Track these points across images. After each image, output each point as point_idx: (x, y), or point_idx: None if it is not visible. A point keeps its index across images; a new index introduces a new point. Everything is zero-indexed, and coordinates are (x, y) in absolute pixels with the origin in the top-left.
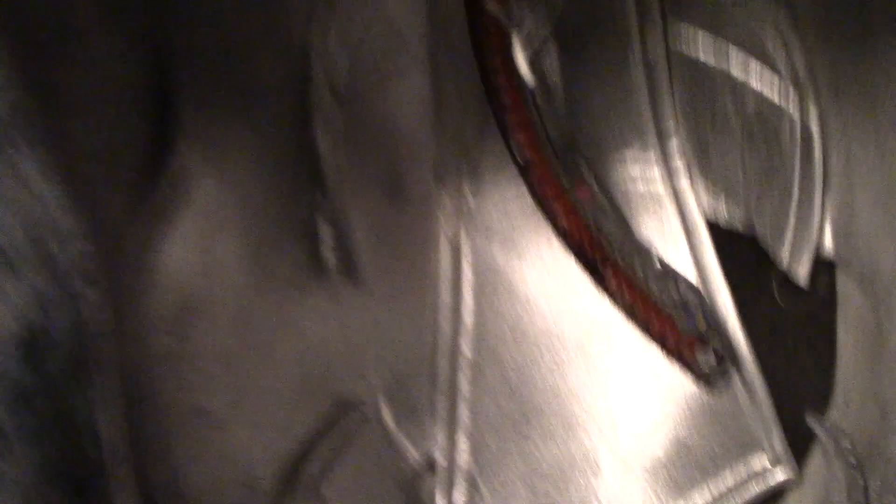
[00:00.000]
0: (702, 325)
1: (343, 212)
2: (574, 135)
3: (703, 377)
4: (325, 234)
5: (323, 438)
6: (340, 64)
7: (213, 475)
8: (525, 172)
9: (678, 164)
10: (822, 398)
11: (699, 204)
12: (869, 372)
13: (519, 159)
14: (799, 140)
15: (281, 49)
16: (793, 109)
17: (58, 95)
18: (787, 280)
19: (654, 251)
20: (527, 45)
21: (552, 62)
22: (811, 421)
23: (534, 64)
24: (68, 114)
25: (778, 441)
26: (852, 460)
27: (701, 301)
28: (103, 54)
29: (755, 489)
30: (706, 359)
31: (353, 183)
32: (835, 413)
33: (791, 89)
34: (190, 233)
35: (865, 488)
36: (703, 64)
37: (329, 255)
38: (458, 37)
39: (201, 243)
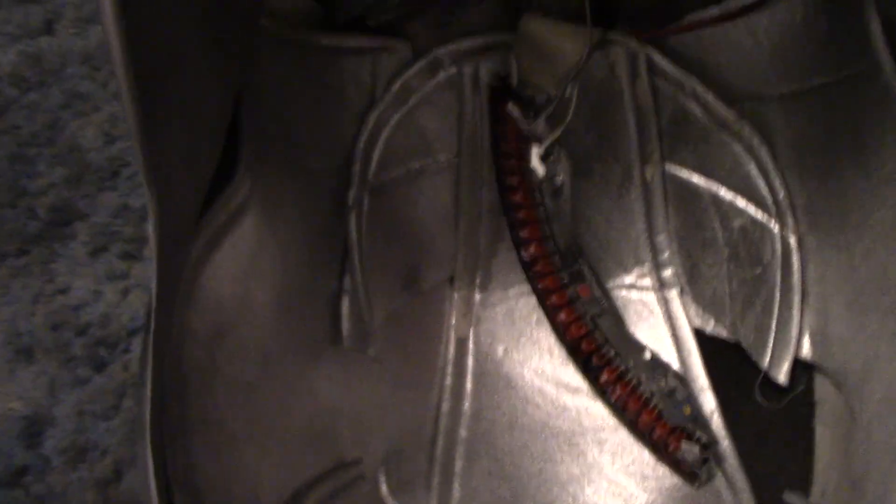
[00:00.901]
0: (688, 412)
1: (364, 291)
2: (577, 236)
3: (687, 468)
4: (346, 307)
5: (323, 481)
6: (375, 163)
7: (222, 484)
8: (528, 267)
9: (668, 274)
10: (801, 490)
11: (687, 312)
12: (843, 458)
13: (524, 255)
14: (780, 255)
15: (331, 141)
16: (774, 228)
17: (163, 107)
18: (767, 382)
19: (644, 346)
20: (540, 148)
21: (562, 166)
22: (790, 497)
23: (545, 166)
24: (167, 127)
25: None
26: None
27: (687, 390)
28: (199, 78)
29: None
30: (691, 450)
31: (376, 268)
32: (813, 500)
33: (772, 211)
34: (233, 264)
35: None
36: (695, 186)
37: (347, 326)
38: (481, 152)
39: (241, 277)
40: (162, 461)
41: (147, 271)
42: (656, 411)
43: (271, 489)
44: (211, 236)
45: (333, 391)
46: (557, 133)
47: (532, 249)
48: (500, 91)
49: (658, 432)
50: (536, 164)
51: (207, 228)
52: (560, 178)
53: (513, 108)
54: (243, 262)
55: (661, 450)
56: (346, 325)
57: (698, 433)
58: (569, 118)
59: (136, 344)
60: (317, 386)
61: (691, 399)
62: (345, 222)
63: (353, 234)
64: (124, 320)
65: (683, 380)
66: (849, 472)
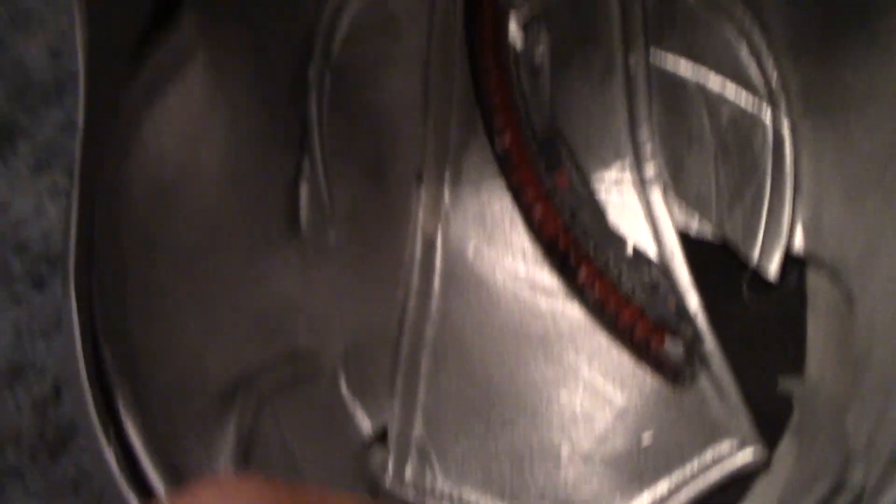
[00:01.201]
0: (672, 306)
1: (324, 176)
2: (556, 122)
3: (671, 367)
4: (305, 193)
5: (275, 369)
6: (338, 45)
7: (162, 353)
8: (503, 159)
9: (650, 170)
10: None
11: (670, 210)
12: (838, 347)
13: (499, 145)
14: (771, 145)
15: (292, 7)
16: (766, 117)
17: None
18: (756, 279)
19: (626, 239)
20: (519, 24)
21: (542, 43)
22: (783, 383)
23: (524, 44)
24: None
25: (746, 426)
26: (820, 405)
27: (672, 285)
28: None
29: (721, 473)
30: (675, 346)
31: (338, 157)
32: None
33: (764, 99)
34: (178, 119)
35: (835, 425)
36: (682, 74)
37: (305, 214)
38: (453, 33)
39: (188, 136)
40: (90, 321)
41: None
42: (638, 308)
43: (217, 366)
44: (152, 80)
45: (288, 279)
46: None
47: (507, 138)
48: None
49: (639, 331)
50: (515, 33)
51: (147, 70)
52: (539, 56)
53: None
54: (190, 119)
55: (643, 350)
56: (304, 212)
57: (683, 327)
58: None
59: None
60: (270, 271)
61: (676, 292)
62: (304, 99)
63: (314, 113)
64: None
65: (667, 272)
66: (848, 357)
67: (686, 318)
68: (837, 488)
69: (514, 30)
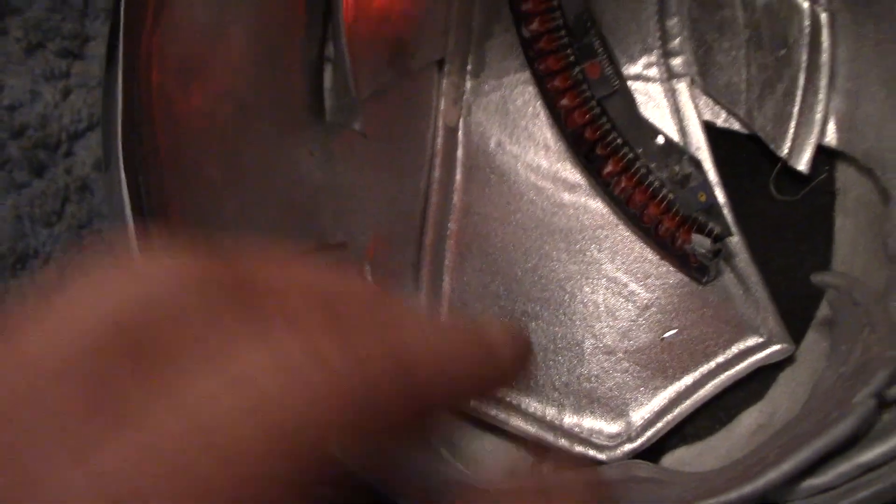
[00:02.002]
0: (703, 199)
1: (349, 60)
2: (589, 5)
3: (696, 262)
4: (329, 78)
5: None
6: None
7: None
8: (529, 45)
9: (678, 63)
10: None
11: (696, 103)
12: (870, 242)
13: (525, 31)
14: (808, 33)
15: None
16: (804, 2)
17: None
18: (785, 172)
19: (658, 129)
20: None
21: None
22: (816, 276)
23: None
24: None
25: (772, 320)
26: (861, 298)
27: (703, 175)
28: None
29: (747, 367)
30: (702, 242)
31: (361, 37)
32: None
33: None
34: None
35: (881, 314)
36: None
37: (330, 98)
38: None
39: (215, 5)
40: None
41: (89, 70)
42: (665, 202)
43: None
44: None
45: (315, 166)
46: None
47: (535, 24)
48: None
49: (666, 225)
50: None
51: None
52: None
53: None
54: None
55: (668, 245)
56: (328, 96)
57: (710, 224)
58: None
59: (79, 147)
60: (297, 156)
61: (706, 186)
62: None
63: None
64: (65, 122)
65: (700, 165)
66: (883, 253)
67: (714, 214)
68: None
69: None
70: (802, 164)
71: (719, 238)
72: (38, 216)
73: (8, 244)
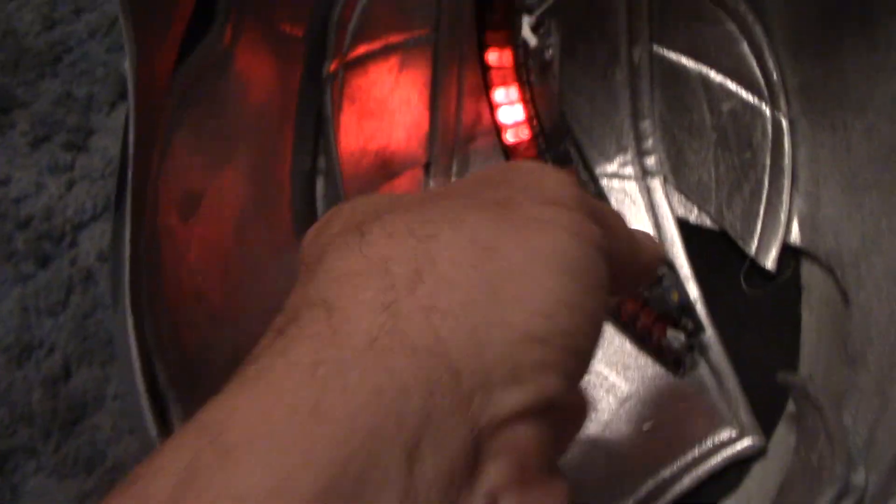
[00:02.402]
0: (675, 299)
1: (339, 170)
2: (564, 115)
3: (672, 356)
4: (321, 188)
5: None
6: (350, 36)
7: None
8: (511, 152)
9: (652, 162)
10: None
11: (670, 201)
12: (833, 340)
13: (507, 137)
14: (770, 138)
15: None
16: (765, 110)
17: None
18: (754, 268)
19: None
20: (532, 18)
21: (553, 39)
22: (781, 376)
23: (536, 36)
24: None
25: (744, 413)
26: (820, 403)
27: (675, 276)
28: None
29: (721, 458)
30: (677, 337)
31: (351, 147)
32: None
33: (764, 95)
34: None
35: (836, 425)
36: (684, 67)
37: (322, 208)
38: (461, 27)
39: (213, 148)
40: (142, 336)
41: (93, 163)
42: (641, 299)
43: None
44: (186, 90)
45: None
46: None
47: (516, 132)
48: None
49: (642, 321)
50: (528, 34)
51: (184, 79)
52: (550, 52)
53: None
54: (219, 126)
55: (645, 339)
56: (321, 206)
57: (684, 320)
58: None
59: (83, 238)
60: (290, 266)
61: (679, 286)
62: (320, 95)
63: (329, 109)
64: (69, 213)
65: (672, 265)
66: (843, 353)
67: (687, 310)
68: (842, 493)
69: (527, 30)
70: (769, 262)
71: (692, 334)
72: (43, 307)
73: (14, 335)
